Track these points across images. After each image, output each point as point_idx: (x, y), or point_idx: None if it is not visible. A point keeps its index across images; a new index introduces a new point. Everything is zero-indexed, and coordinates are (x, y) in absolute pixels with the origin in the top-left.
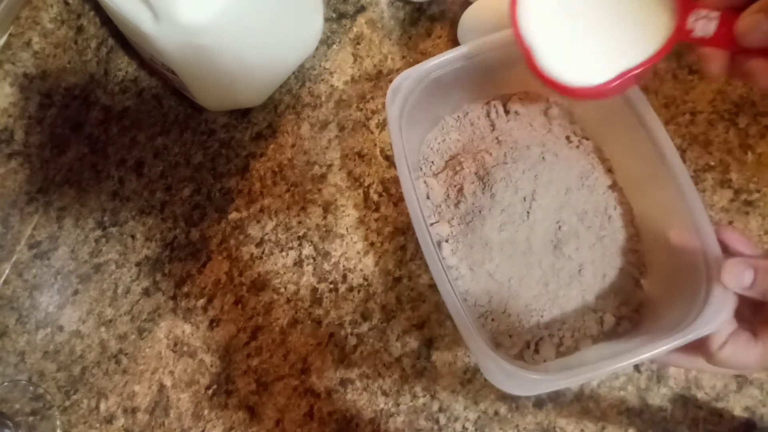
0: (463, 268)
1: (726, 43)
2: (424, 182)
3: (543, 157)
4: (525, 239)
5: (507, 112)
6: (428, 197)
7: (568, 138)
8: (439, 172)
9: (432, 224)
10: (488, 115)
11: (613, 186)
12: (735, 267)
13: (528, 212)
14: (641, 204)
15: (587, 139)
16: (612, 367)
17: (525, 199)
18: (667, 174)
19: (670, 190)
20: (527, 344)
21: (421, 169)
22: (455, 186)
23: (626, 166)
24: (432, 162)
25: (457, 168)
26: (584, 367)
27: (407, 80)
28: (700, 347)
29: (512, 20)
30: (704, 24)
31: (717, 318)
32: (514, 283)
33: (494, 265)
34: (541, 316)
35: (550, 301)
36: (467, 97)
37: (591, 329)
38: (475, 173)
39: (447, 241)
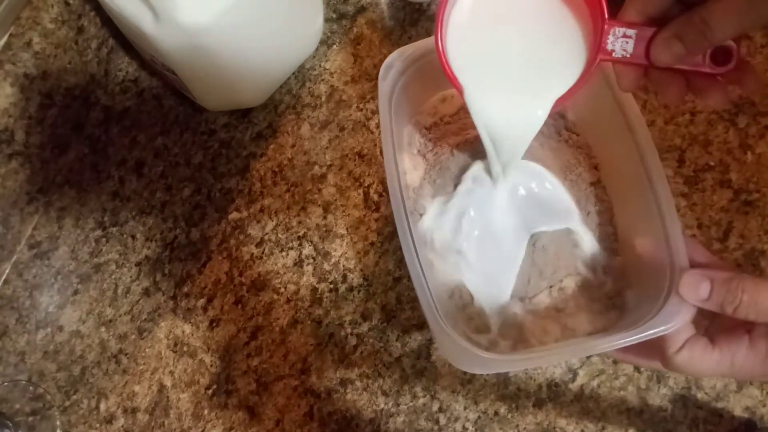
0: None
1: (644, 61)
2: (409, 157)
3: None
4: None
5: None
6: (411, 173)
7: (558, 132)
8: (423, 151)
9: (410, 198)
10: None
11: (596, 183)
12: (692, 278)
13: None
14: (621, 204)
15: (577, 134)
16: (558, 356)
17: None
18: (646, 179)
19: (647, 194)
20: None
21: (406, 147)
22: (436, 166)
23: (610, 165)
24: (418, 141)
25: (442, 149)
26: (535, 354)
27: (401, 58)
28: (657, 350)
29: (442, 62)
30: (623, 43)
31: (671, 320)
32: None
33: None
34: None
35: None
36: None
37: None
38: (458, 157)
39: (422, 215)
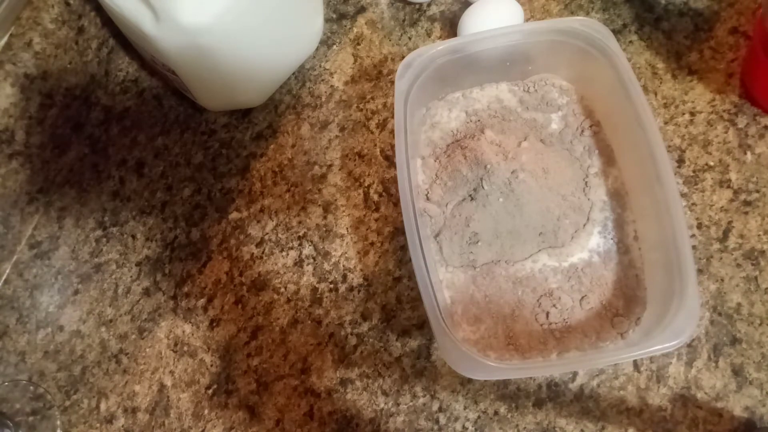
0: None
1: None
2: (421, 159)
3: (542, 152)
4: (509, 231)
5: (520, 101)
6: (421, 175)
7: (577, 129)
8: (437, 154)
9: (420, 200)
10: (497, 102)
11: (609, 184)
12: None
13: (517, 205)
14: (633, 206)
15: (595, 132)
16: (560, 367)
17: (515, 191)
18: (659, 185)
19: (659, 198)
20: None
21: (419, 149)
22: (449, 168)
23: (627, 166)
24: (430, 142)
25: (455, 152)
26: (537, 363)
27: (420, 57)
28: None
29: None
30: None
31: (677, 337)
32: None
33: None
34: None
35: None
36: (476, 84)
37: None
38: (472, 158)
39: (432, 217)
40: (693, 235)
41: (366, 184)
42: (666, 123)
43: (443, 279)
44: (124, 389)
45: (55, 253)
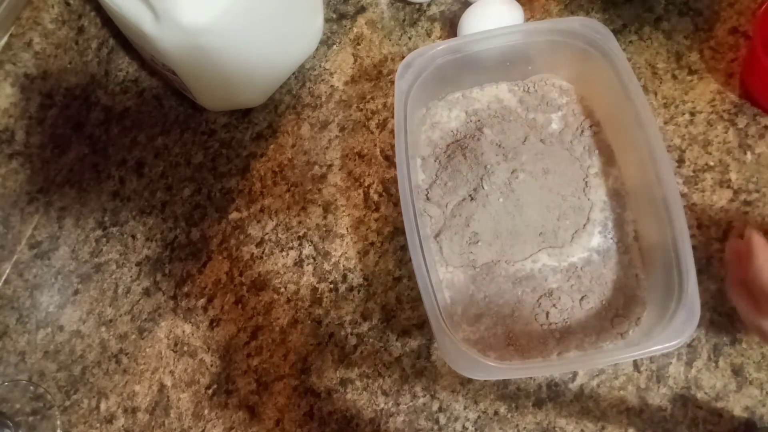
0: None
1: None
2: (421, 159)
3: (542, 152)
4: (509, 231)
5: (520, 101)
6: (421, 175)
7: (577, 129)
8: (437, 154)
9: (420, 200)
10: (497, 102)
11: (609, 184)
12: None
13: (517, 205)
14: (633, 206)
15: (595, 132)
16: (560, 367)
17: (515, 191)
18: (659, 185)
19: (659, 198)
20: None
21: (419, 149)
22: (449, 168)
23: (627, 166)
24: (430, 142)
25: (455, 152)
26: (537, 363)
27: (420, 57)
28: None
29: None
30: None
31: (677, 337)
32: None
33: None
34: None
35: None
36: (476, 84)
37: None
38: (472, 158)
39: (432, 217)
40: (693, 235)
41: (366, 184)
42: (666, 123)
43: (443, 279)
44: (124, 389)
45: (55, 253)
